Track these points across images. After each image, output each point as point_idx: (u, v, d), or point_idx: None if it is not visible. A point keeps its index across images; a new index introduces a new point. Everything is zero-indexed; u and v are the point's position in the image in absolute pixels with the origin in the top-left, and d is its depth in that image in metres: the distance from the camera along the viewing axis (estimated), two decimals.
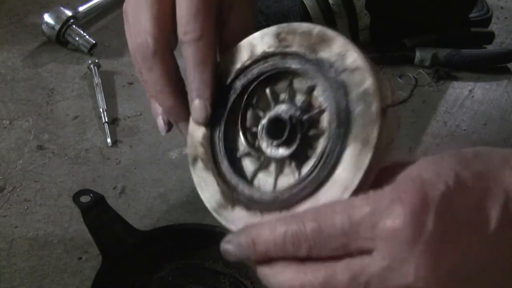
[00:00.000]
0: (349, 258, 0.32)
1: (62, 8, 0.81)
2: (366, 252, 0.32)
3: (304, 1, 0.80)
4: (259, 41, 0.40)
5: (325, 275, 0.33)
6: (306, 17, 0.80)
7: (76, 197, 0.52)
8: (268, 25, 0.90)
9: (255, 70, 0.39)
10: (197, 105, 0.41)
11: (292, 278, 0.33)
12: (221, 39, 0.44)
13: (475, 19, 0.87)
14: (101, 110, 0.68)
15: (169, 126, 0.45)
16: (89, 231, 0.50)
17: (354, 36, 0.82)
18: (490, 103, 0.77)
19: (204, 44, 0.41)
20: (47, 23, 0.80)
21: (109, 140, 0.65)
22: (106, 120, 0.67)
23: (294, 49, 0.37)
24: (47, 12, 0.81)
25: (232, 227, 0.36)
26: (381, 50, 0.83)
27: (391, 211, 0.32)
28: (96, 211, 0.51)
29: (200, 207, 0.58)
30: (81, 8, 0.84)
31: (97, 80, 0.73)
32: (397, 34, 0.83)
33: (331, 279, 0.32)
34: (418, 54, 0.82)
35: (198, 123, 0.41)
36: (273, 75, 0.38)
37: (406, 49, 0.83)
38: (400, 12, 0.82)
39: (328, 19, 0.80)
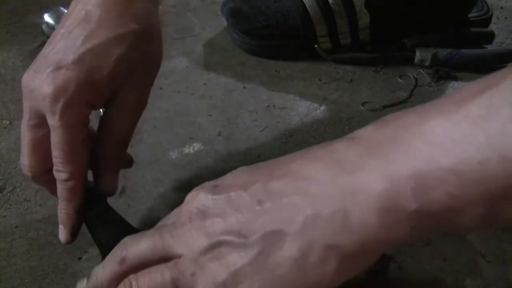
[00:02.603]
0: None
1: (62, 8, 0.81)
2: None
3: (304, 1, 0.80)
4: None
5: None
6: (305, 17, 0.80)
7: None
8: (268, 25, 0.91)
9: None
10: (60, 230, 0.49)
11: None
12: (101, 131, 0.49)
13: (475, 19, 0.87)
14: (100, 110, 0.68)
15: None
16: (89, 231, 0.50)
17: (354, 36, 0.82)
18: None
19: (71, 184, 0.46)
20: (47, 23, 0.80)
21: None
22: None
23: None
24: (47, 12, 0.81)
25: None
26: (381, 50, 0.83)
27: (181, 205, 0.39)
28: (96, 211, 0.50)
29: None
30: None
31: None
32: (397, 34, 0.83)
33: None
34: (418, 54, 0.82)
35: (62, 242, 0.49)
36: None
37: (406, 49, 0.83)
38: (400, 12, 0.82)
39: (328, 19, 0.80)
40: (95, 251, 0.52)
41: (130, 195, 0.59)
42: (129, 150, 0.64)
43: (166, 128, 0.69)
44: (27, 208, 0.57)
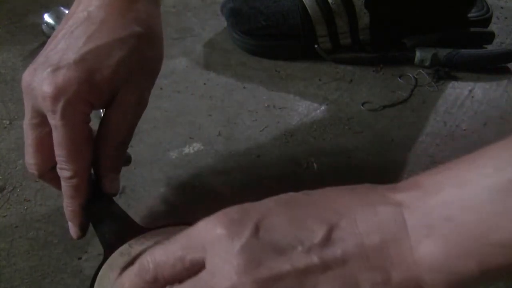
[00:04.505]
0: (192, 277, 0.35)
1: (62, 8, 0.81)
2: (202, 265, 0.35)
3: (304, 1, 0.80)
4: None
5: None
6: (305, 17, 0.80)
7: None
8: (267, 25, 0.91)
9: None
10: (70, 227, 0.49)
11: None
12: (100, 132, 0.49)
13: (475, 19, 0.87)
14: (100, 110, 0.68)
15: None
16: (93, 226, 0.50)
17: (354, 36, 0.82)
18: (490, 103, 0.77)
19: (75, 181, 0.46)
20: (47, 23, 0.80)
21: None
22: None
23: None
24: (47, 12, 0.81)
25: None
26: (381, 50, 0.83)
27: (213, 223, 0.35)
28: (100, 206, 0.51)
29: (200, 207, 0.58)
30: None
31: None
32: (397, 34, 0.83)
33: None
34: (418, 54, 0.82)
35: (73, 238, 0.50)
36: None
37: (406, 49, 0.83)
38: (400, 12, 0.82)
39: (328, 19, 0.80)
40: (95, 251, 0.52)
41: (130, 195, 0.59)
42: (129, 150, 0.64)
43: (166, 128, 0.69)
44: (27, 208, 0.57)
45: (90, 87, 0.45)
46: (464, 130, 0.72)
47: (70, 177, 0.46)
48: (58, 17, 0.80)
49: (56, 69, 0.44)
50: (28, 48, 0.80)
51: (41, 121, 0.46)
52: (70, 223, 0.49)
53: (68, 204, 0.48)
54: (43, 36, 0.81)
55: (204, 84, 0.77)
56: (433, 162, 0.66)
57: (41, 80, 0.44)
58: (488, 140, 0.74)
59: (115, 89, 0.47)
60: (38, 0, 0.91)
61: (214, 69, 0.80)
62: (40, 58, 0.47)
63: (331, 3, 0.79)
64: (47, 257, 0.52)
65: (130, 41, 0.47)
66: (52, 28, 0.79)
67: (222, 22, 0.89)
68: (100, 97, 0.47)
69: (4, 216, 0.56)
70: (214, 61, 0.82)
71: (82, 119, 0.46)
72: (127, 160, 0.58)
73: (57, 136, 0.45)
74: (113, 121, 0.48)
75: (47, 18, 0.80)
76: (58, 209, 0.57)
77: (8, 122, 0.67)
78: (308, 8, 0.80)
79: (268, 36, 0.82)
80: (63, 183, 0.47)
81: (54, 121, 0.45)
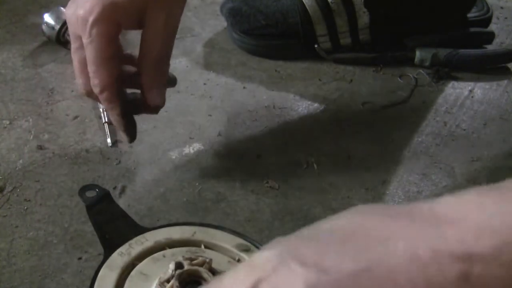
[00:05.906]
0: None
1: (62, 8, 0.81)
2: None
3: (303, 0, 0.80)
4: None
5: None
6: (305, 16, 0.80)
7: (81, 191, 0.52)
8: (267, 25, 0.91)
9: None
10: (121, 136, 0.59)
11: None
12: (140, 51, 0.55)
13: (475, 19, 0.87)
14: (101, 110, 0.68)
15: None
16: (93, 226, 0.50)
17: (353, 36, 0.82)
18: (490, 103, 0.77)
19: (106, 94, 0.53)
20: (47, 23, 0.80)
21: (109, 140, 0.65)
22: (106, 120, 0.67)
23: None
24: (47, 12, 0.81)
25: None
26: (381, 50, 0.83)
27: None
28: (101, 206, 0.51)
29: (200, 207, 0.58)
30: None
31: None
32: (397, 34, 0.83)
33: None
34: (418, 54, 0.82)
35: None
36: None
37: (406, 49, 0.83)
38: (400, 12, 0.82)
39: (327, 18, 0.80)
40: (95, 251, 0.52)
41: (130, 195, 0.59)
42: (129, 150, 0.64)
43: (166, 128, 0.69)
44: (27, 208, 0.57)
45: (114, 7, 0.51)
46: (464, 130, 0.72)
47: (101, 91, 0.53)
48: (58, 17, 0.80)
49: None
50: (28, 48, 0.80)
51: (80, 44, 0.53)
52: (120, 132, 0.58)
53: (111, 116, 0.56)
54: (43, 36, 0.81)
55: (204, 84, 0.77)
56: (433, 162, 0.66)
57: (76, 7, 0.52)
58: (488, 140, 0.75)
59: (141, 9, 0.53)
60: (38, 0, 0.91)
61: (214, 69, 0.80)
62: None
63: (331, 2, 0.79)
64: (47, 257, 0.52)
65: None
66: (52, 28, 0.79)
67: (222, 22, 0.89)
68: (127, 17, 0.53)
69: (4, 216, 0.56)
70: (214, 61, 0.82)
71: (107, 37, 0.51)
72: (173, 81, 0.63)
73: (88, 54, 0.52)
74: (146, 39, 0.54)
75: (47, 18, 0.80)
76: (58, 209, 0.57)
77: (8, 122, 0.67)
78: (307, 8, 0.80)
79: (267, 35, 0.82)
80: (100, 99, 0.54)
81: (85, 40, 0.51)
